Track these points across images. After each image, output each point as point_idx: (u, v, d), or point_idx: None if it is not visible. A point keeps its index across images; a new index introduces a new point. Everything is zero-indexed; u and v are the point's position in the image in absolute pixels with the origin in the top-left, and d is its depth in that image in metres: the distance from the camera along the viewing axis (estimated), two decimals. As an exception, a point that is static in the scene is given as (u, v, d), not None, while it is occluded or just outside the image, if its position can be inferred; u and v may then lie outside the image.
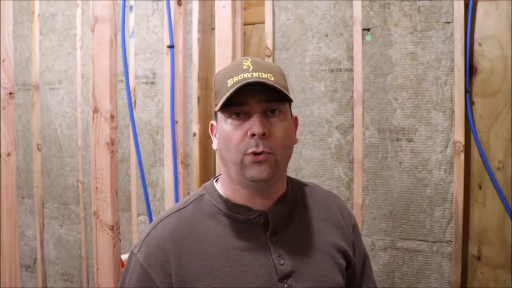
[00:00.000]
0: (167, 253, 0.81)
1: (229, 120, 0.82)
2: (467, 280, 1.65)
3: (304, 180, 1.03)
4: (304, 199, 0.93)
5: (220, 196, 0.87)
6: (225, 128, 0.83)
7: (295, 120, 0.91)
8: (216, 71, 0.92)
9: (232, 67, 0.86)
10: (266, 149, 0.80)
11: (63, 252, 2.47)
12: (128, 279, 0.84)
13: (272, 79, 0.82)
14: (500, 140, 1.61)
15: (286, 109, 0.85)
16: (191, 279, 0.80)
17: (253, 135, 0.79)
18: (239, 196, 0.86)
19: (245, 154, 0.80)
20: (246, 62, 0.84)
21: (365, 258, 0.99)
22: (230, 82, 0.82)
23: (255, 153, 0.80)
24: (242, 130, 0.81)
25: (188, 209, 0.87)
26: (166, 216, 0.88)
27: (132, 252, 0.86)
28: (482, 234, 1.64)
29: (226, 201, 0.86)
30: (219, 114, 0.85)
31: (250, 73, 0.82)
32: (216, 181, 0.92)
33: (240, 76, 0.81)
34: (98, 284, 1.46)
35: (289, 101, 0.84)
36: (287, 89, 0.85)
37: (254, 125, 0.79)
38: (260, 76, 0.81)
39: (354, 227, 0.97)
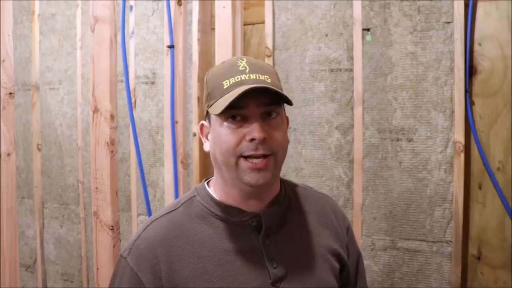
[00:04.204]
0: (157, 255, 0.80)
1: (225, 123, 0.79)
2: (467, 280, 1.65)
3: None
4: (298, 201, 0.91)
5: (212, 198, 0.85)
6: (221, 131, 0.80)
7: (287, 120, 0.89)
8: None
9: (227, 67, 0.83)
10: (265, 151, 0.78)
11: (63, 252, 2.47)
12: (118, 283, 0.82)
13: (269, 81, 0.80)
14: (500, 140, 1.61)
15: (282, 111, 0.84)
16: (182, 282, 0.78)
17: (252, 139, 0.77)
18: (231, 198, 0.84)
19: (241, 157, 0.78)
20: (241, 62, 0.82)
21: (358, 260, 0.98)
22: (226, 84, 0.79)
23: (254, 157, 0.78)
24: (240, 134, 0.78)
25: (179, 211, 0.85)
26: (156, 219, 0.85)
27: (121, 256, 0.84)
28: (482, 234, 1.64)
29: (218, 203, 0.84)
30: (214, 116, 0.82)
31: (247, 75, 0.79)
32: (208, 183, 0.90)
33: (237, 78, 0.79)
34: (98, 284, 1.46)
35: (290, 104, 0.82)
36: (282, 90, 0.83)
37: (255, 130, 0.77)
38: (258, 78, 0.79)
39: (348, 229, 0.95)
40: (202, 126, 0.89)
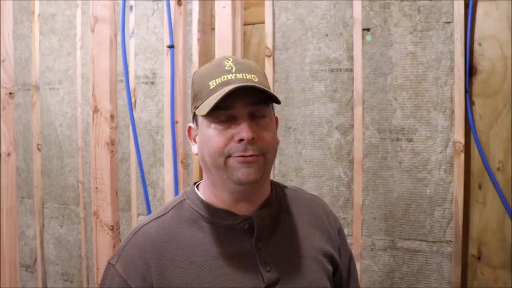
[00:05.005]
0: (147, 262, 0.78)
1: (213, 124, 0.78)
2: (467, 280, 1.65)
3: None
4: (289, 203, 0.90)
5: (202, 201, 0.83)
6: (208, 133, 0.79)
7: (276, 120, 0.87)
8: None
9: (213, 68, 0.81)
10: (255, 152, 0.77)
11: (63, 252, 2.47)
12: None
13: (256, 80, 0.79)
14: (500, 140, 1.61)
15: (271, 110, 0.82)
16: None
17: (241, 140, 0.76)
18: (222, 201, 0.82)
19: (230, 157, 0.77)
20: (227, 62, 0.80)
21: (350, 260, 0.97)
22: (212, 84, 0.78)
23: (243, 157, 0.77)
24: (228, 134, 0.77)
25: (168, 216, 0.83)
26: (145, 224, 0.83)
27: (109, 263, 0.81)
28: (482, 234, 1.64)
29: (208, 207, 0.82)
30: (201, 118, 0.80)
31: (234, 75, 0.78)
32: (197, 186, 0.88)
33: (224, 78, 0.78)
34: (98, 284, 1.46)
35: (278, 103, 0.80)
36: (270, 89, 0.82)
37: (243, 130, 0.76)
38: (244, 77, 0.78)
39: (340, 230, 0.94)
40: (189, 128, 0.87)
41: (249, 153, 0.76)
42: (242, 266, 0.79)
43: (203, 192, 0.85)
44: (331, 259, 0.88)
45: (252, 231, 0.81)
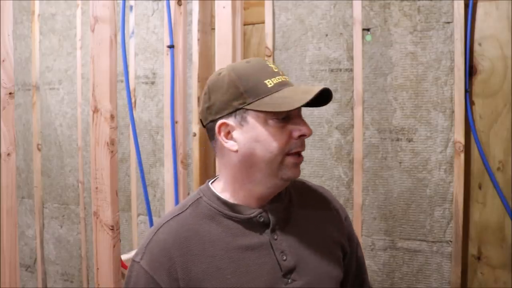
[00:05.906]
0: (171, 257, 0.81)
1: (271, 121, 0.82)
2: (467, 280, 1.65)
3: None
4: (298, 195, 0.95)
5: (218, 197, 0.88)
6: (266, 130, 0.82)
7: None
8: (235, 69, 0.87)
9: (259, 67, 0.86)
10: (304, 148, 0.85)
11: (63, 252, 2.47)
12: (133, 286, 0.83)
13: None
14: (500, 140, 1.61)
15: None
16: (198, 282, 0.80)
17: (301, 136, 0.83)
18: (241, 197, 0.87)
19: (287, 154, 0.83)
20: (270, 64, 0.87)
21: (357, 246, 1.02)
22: (269, 83, 0.83)
23: (298, 153, 0.84)
24: (287, 132, 0.83)
25: (187, 213, 0.87)
26: (166, 222, 0.87)
27: (134, 261, 0.85)
28: (482, 234, 1.64)
29: (225, 202, 0.87)
30: (254, 114, 0.82)
31: (283, 77, 0.86)
32: (211, 183, 0.92)
33: (278, 79, 0.84)
34: (98, 284, 1.46)
35: (327, 103, 0.88)
36: None
37: (304, 126, 0.83)
38: (289, 80, 0.87)
39: (346, 218, 1.00)
40: (223, 124, 0.84)
41: (304, 148, 0.85)
42: (260, 256, 0.83)
43: (221, 189, 0.89)
44: (341, 246, 0.94)
45: (267, 223, 0.86)
